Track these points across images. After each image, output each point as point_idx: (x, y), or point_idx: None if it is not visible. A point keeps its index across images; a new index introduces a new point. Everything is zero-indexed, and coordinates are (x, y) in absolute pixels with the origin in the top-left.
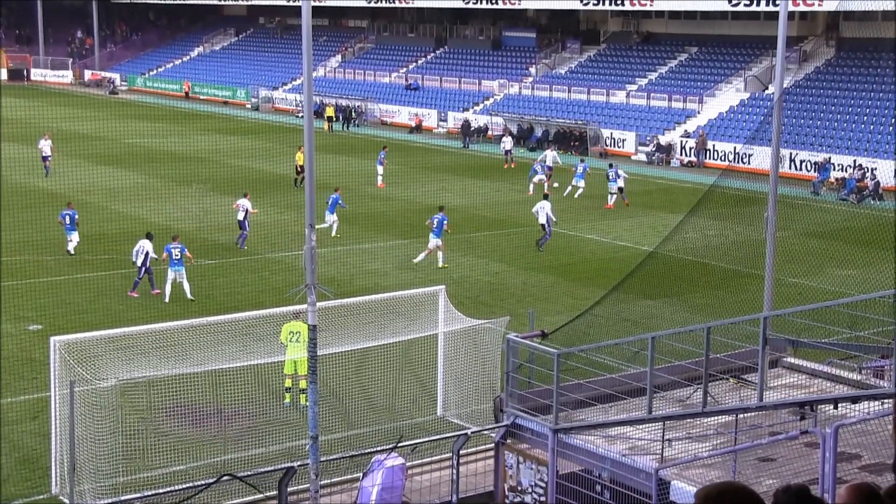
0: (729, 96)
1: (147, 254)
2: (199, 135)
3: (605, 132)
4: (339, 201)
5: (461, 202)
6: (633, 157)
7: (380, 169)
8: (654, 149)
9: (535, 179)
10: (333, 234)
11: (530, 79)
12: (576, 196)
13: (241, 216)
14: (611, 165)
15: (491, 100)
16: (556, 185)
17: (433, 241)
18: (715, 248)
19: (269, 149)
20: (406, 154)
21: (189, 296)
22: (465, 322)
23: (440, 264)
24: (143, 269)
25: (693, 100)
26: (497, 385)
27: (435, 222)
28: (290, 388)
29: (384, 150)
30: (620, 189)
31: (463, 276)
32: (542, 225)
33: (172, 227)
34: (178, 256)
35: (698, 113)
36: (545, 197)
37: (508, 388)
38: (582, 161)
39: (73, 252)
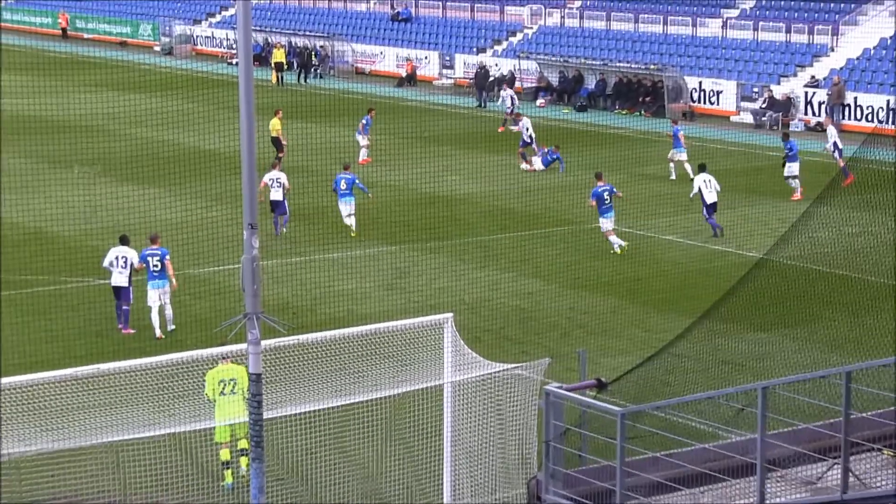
0: (877, 24)
1: (131, 265)
2: (83, 93)
3: (691, 81)
4: (359, 182)
5: (476, 188)
6: (735, 119)
7: (362, 140)
8: (764, 105)
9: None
10: (353, 230)
11: (577, 3)
12: (689, 173)
13: (279, 195)
14: (675, 122)
15: (519, 35)
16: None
17: (605, 223)
18: (858, 253)
19: (189, 112)
20: (393, 117)
21: (170, 325)
22: (484, 367)
23: (614, 249)
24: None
25: (823, 30)
26: (532, 460)
27: (604, 196)
28: (229, 463)
29: (370, 115)
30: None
31: (480, 297)
32: (712, 205)
33: (44, 228)
34: (158, 267)
35: (831, 50)
36: (702, 168)
37: (549, 464)
38: (675, 123)
39: None
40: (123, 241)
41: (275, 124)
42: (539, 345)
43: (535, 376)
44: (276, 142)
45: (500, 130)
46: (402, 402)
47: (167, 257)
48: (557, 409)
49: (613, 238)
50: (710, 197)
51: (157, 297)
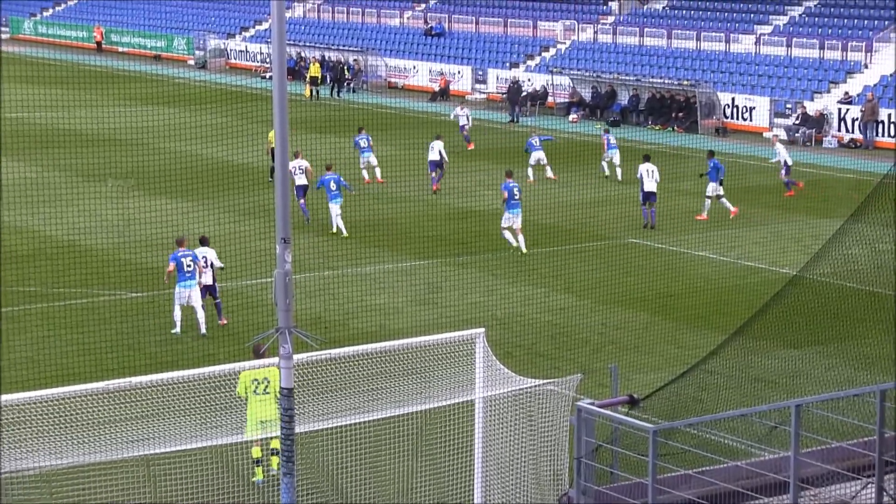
0: None
1: (211, 265)
2: (116, 106)
3: (724, 97)
4: (343, 182)
5: None
6: (768, 135)
7: (366, 159)
8: (798, 121)
9: (533, 161)
10: (338, 229)
11: (610, 18)
12: (618, 177)
13: (303, 180)
14: (606, 131)
15: (552, 50)
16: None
17: (511, 218)
18: (891, 270)
19: (222, 126)
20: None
21: (202, 329)
22: (515, 382)
23: (521, 249)
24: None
25: (857, 47)
26: (563, 477)
27: (514, 191)
28: (259, 461)
29: (364, 133)
30: (788, 167)
31: (512, 313)
32: (648, 194)
33: (76, 242)
34: (191, 267)
35: (865, 67)
36: (646, 158)
37: (580, 481)
38: (606, 132)
39: None
40: (203, 241)
41: (273, 136)
42: (571, 360)
43: (566, 392)
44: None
45: (469, 148)
46: (434, 417)
47: (199, 259)
48: (589, 426)
49: (512, 236)
50: (649, 186)
51: (186, 295)
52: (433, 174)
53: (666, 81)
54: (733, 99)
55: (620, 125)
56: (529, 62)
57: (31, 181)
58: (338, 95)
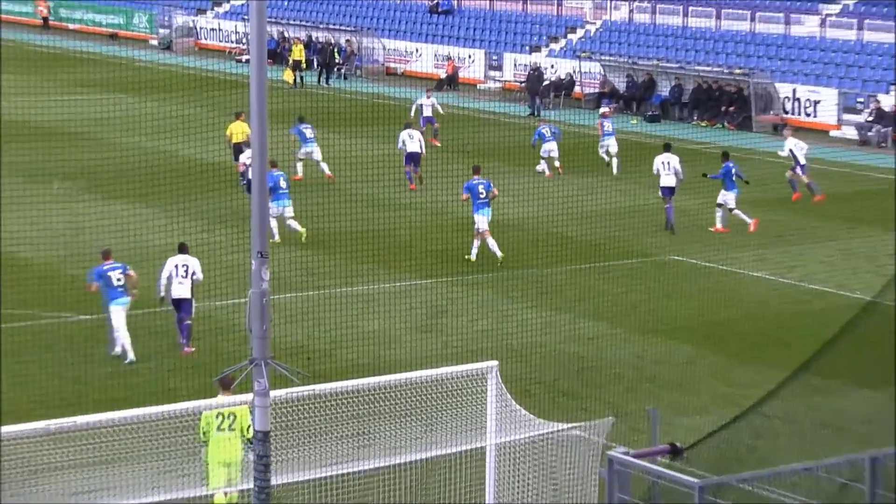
0: None
1: (192, 274)
2: (66, 94)
3: (784, 89)
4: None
5: (527, 212)
6: (835, 133)
7: (307, 152)
8: (871, 118)
9: (545, 153)
10: (303, 233)
11: None
12: (614, 171)
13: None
14: (604, 115)
15: (580, 32)
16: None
17: (480, 221)
18: None
19: (189, 118)
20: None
21: (130, 354)
22: (535, 426)
23: (497, 254)
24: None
25: None
26: None
27: (477, 190)
28: None
29: (305, 125)
30: (803, 166)
31: (530, 342)
32: (666, 189)
33: (15, 254)
34: (122, 281)
35: None
36: (666, 147)
37: None
38: (604, 116)
39: None
40: (182, 249)
41: (239, 128)
42: (601, 400)
43: (596, 438)
44: (239, 148)
45: (437, 144)
46: (438, 467)
47: (129, 269)
48: (623, 480)
49: (490, 240)
50: (666, 180)
51: (122, 315)
52: (411, 169)
53: (714, 69)
54: (794, 91)
55: (661, 120)
56: (553, 45)
57: None
58: (326, 83)
